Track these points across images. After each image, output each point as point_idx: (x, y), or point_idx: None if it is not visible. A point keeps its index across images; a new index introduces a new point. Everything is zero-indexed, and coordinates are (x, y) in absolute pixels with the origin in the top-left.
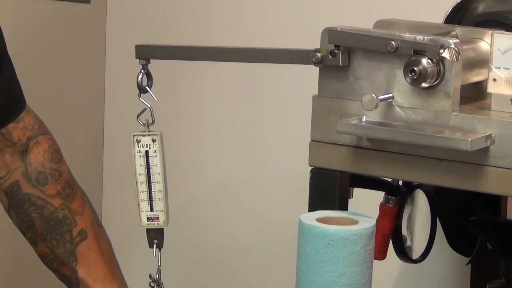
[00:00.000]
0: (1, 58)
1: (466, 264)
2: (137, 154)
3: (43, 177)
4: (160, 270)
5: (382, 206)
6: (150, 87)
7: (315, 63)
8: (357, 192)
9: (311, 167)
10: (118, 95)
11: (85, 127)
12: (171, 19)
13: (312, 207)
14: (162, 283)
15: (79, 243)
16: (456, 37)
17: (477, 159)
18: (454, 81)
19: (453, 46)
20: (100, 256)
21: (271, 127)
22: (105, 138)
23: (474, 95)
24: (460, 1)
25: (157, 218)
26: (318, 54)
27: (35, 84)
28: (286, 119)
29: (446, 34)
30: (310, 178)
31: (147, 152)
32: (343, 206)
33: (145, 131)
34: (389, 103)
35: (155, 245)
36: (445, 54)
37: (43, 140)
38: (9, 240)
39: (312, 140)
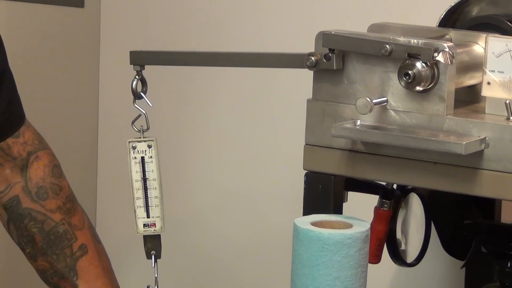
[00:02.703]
0: (2, 73)
1: (461, 268)
2: (133, 161)
3: (44, 191)
4: (158, 281)
5: (376, 209)
6: (144, 93)
7: (309, 67)
8: (352, 195)
9: (306, 171)
10: (113, 101)
11: (79, 133)
12: (165, 23)
13: (307, 211)
14: None
15: (80, 258)
16: (450, 40)
17: (472, 162)
18: (448, 84)
19: (447, 49)
20: (101, 271)
21: (265, 131)
22: (99, 144)
23: (468, 98)
24: (454, 5)
25: (154, 225)
26: (313, 58)
27: (28, 88)
28: (281, 123)
29: (440, 37)
30: (305, 182)
31: (143, 158)
32: (338, 210)
33: (140, 137)
34: (383, 107)
35: (153, 256)
36: (439, 57)
37: (43, 155)
38: (3, 254)
39: (306, 144)
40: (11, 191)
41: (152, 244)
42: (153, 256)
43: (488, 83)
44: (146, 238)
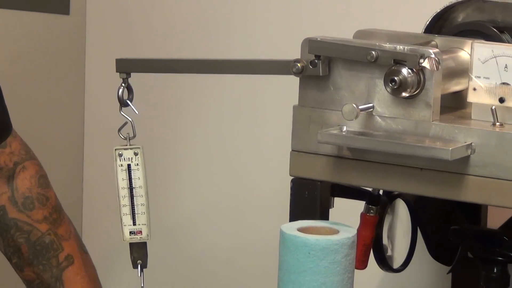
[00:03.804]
0: None
1: (447, 273)
2: (119, 168)
3: (30, 202)
4: None
5: (363, 215)
6: (131, 101)
7: (295, 73)
8: (338, 201)
9: (292, 177)
10: (98, 108)
11: (64, 141)
12: (151, 31)
13: (293, 217)
14: None
15: (66, 268)
16: (436, 46)
17: (458, 168)
18: (434, 90)
19: (433, 55)
20: (87, 281)
21: (252, 137)
22: (85, 152)
23: (455, 104)
24: (440, 11)
25: (140, 232)
26: (299, 64)
27: (12, 96)
28: (267, 129)
29: (426, 43)
30: (291, 188)
31: (129, 165)
32: (324, 216)
33: (127, 145)
34: (369, 113)
35: (139, 265)
36: (425, 63)
37: (30, 165)
38: None
39: (292, 150)
40: None
41: (139, 254)
42: (139, 266)
43: (474, 89)
44: (133, 247)
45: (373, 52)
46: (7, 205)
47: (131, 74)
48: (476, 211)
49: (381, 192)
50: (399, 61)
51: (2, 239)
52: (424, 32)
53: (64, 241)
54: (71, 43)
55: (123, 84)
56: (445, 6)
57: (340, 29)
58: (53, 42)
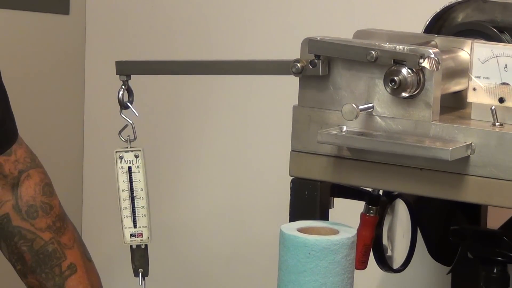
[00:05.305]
0: None
1: (447, 273)
2: (120, 171)
3: (34, 210)
4: None
5: (362, 216)
6: (131, 103)
7: (295, 73)
8: (338, 202)
9: (292, 178)
10: (98, 110)
11: (64, 143)
12: (151, 32)
13: (293, 217)
14: None
15: (69, 277)
16: (436, 46)
17: (458, 168)
18: (434, 90)
19: (433, 55)
20: None
21: (251, 137)
22: (85, 154)
23: (454, 104)
24: (440, 11)
25: (141, 235)
26: (298, 64)
27: (11, 97)
28: (267, 129)
29: (426, 43)
30: (291, 188)
31: (130, 168)
32: (324, 216)
33: (127, 147)
34: (369, 113)
35: (140, 273)
36: (425, 63)
37: (35, 173)
38: None
39: (292, 150)
40: (2, 209)
41: (140, 262)
42: (140, 274)
43: (474, 89)
44: (134, 256)
45: (373, 52)
46: (11, 213)
47: (131, 76)
48: (476, 211)
49: (381, 192)
50: (399, 61)
51: (6, 246)
52: (424, 32)
53: (67, 250)
54: (71, 43)
55: (123, 86)
56: (445, 6)
57: (340, 29)
58: (53, 42)
